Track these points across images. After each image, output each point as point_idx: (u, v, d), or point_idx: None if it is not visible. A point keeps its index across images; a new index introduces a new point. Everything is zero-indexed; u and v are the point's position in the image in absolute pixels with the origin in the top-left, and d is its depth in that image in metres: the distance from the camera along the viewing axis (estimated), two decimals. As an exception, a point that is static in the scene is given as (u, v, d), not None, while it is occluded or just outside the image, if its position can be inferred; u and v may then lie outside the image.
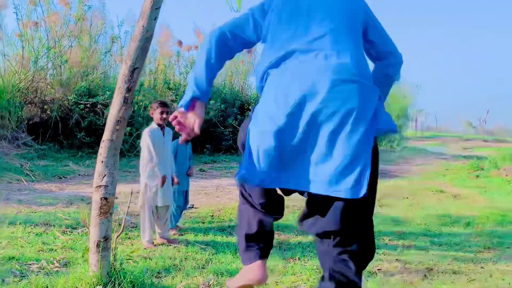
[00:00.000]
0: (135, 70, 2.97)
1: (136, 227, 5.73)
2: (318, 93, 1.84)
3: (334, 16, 2.01)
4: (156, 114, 5.14)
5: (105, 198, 3.01)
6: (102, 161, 3.00)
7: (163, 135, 5.19)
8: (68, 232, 5.41)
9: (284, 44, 1.99)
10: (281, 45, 1.99)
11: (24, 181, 8.77)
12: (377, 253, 5.34)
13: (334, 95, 1.84)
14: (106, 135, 3.02)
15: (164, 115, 5.12)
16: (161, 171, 5.03)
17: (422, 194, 9.53)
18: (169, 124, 4.27)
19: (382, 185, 10.53)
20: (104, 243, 3.06)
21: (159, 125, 5.15)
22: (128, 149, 12.47)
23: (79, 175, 10.14)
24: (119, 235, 3.39)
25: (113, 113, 3.01)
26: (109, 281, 3.12)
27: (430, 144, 38.94)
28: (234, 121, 16.59)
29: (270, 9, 2.07)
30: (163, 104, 5.21)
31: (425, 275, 4.63)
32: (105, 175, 2.99)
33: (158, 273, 4.15)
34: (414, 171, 16.03)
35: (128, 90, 2.95)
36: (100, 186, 3.00)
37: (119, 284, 3.12)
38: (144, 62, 3.04)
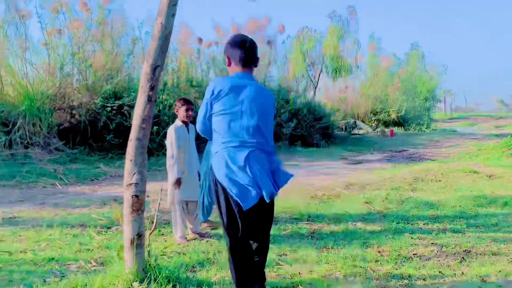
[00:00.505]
0: (156, 68, 2.99)
1: (168, 223, 5.82)
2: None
3: (257, 111, 3.05)
4: (181, 111, 5.19)
5: (136, 196, 3.05)
6: (131, 160, 3.04)
7: (188, 131, 5.24)
8: (103, 232, 5.54)
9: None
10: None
11: (58, 185, 9.02)
12: (411, 238, 5.27)
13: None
14: (133, 134, 3.06)
15: (190, 112, 5.18)
16: (179, 168, 5.07)
17: (455, 176, 9.29)
18: (193, 121, 4.40)
19: (413, 168, 10.33)
20: (138, 240, 3.12)
21: (183, 122, 5.20)
22: (156, 148, 12.64)
23: (110, 176, 10.35)
24: (152, 231, 3.44)
25: (138, 112, 3.05)
26: (145, 277, 3.18)
27: (460, 125, 37.94)
28: (258, 114, 16.55)
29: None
30: (188, 101, 5.26)
31: (463, 258, 4.52)
32: (134, 173, 3.03)
33: (193, 267, 4.20)
34: (445, 153, 15.65)
35: (151, 88, 2.98)
36: (130, 184, 3.05)
37: (155, 280, 3.17)
38: (165, 60, 3.06)
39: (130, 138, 3.09)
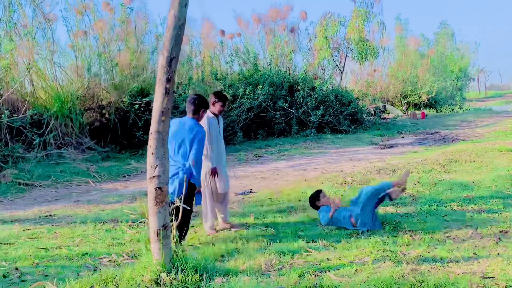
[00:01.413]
0: (172, 60, 2.99)
1: (198, 215, 5.88)
2: None
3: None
4: (217, 106, 5.22)
5: (160, 188, 3.08)
6: (153, 153, 3.07)
7: (218, 124, 5.27)
8: (134, 226, 5.64)
9: None
10: None
11: (91, 182, 9.27)
12: (445, 220, 5.12)
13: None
14: (153, 127, 3.08)
15: (225, 108, 5.30)
16: (214, 158, 5.11)
17: (490, 155, 8.96)
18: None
19: (446, 150, 10.04)
20: (163, 231, 3.15)
21: (214, 114, 5.24)
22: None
23: (141, 172, 10.54)
24: (178, 223, 3.47)
25: (157, 105, 3.06)
26: (173, 267, 3.22)
27: (495, 103, 36.59)
28: (284, 103, 16.48)
29: None
30: (226, 99, 5.32)
31: (499, 239, 4.36)
32: (156, 166, 3.06)
33: (222, 256, 4.23)
34: (480, 133, 15.13)
35: (168, 80, 2.98)
36: (153, 177, 3.08)
37: (182, 270, 3.21)
38: (180, 51, 3.05)
39: (150, 131, 3.12)
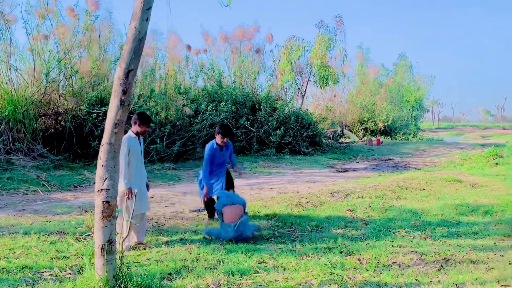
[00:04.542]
0: (129, 72, 2.96)
1: (148, 231, 5.75)
2: None
3: None
4: (141, 127, 5.24)
5: (107, 202, 3.00)
6: (102, 165, 3.00)
7: (140, 144, 5.31)
8: (81, 239, 5.45)
9: None
10: None
11: (40, 191, 8.90)
12: (392, 246, 5.27)
13: None
14: (105, 139, 3.02)
15: (148, 129, 5.35)
16: (128, 180, 5.08)
17: (439, 184, 9.34)
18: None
19: (398, 177, 10.38)
20: (108, 247, 3.06)
21: (136, 134, 5.27)
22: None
23: (94, 183, 10.20)
24: (125, 238, 3.38)
25: (110, 116, 3.01)
26: (116, 284, 3.12)
27: (447, 135, 38.33)
28: (246, 122, 16.58)
29: None
30: (148, 120, 5.32)
31: (441, 266, 4.52)
32: (106, 179, 2.99)
33: (169, 274, 4.14)
34: (431, 162, 15.76)
35: (124, 92, 2.94)
36: (101, 190, 3.00)
37: (126, 287, 3.12)
38: (138, 64, 3.03)
39: (102, 142, 3.05)
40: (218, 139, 6.38)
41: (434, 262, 4.68)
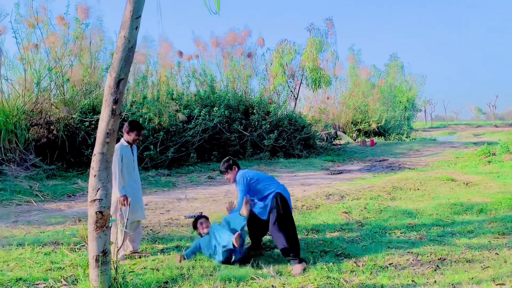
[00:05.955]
0: (120, 81, 2.95)
1: (143, 239, 5.72)
2: None
3: None
4: (132, 135, 5.20)
5: (100, 212, 2.98)
6: (95, 175, 2.98)
7: (132, 153, 5.29)
8: (76, 249, 5.40)
9: None
10: None
11: (33, 202, 8.82)
12: (388, 247, 5.27)
13: None
14: (97, 149, 3.00)
15: (140, 137, 5.27)
16: (121, 189, 5.05)
17: (433, 184, 9.38)
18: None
19: (392, 178, 10.41)
20: (103, 257, 3.04)
21: (128, 142, 5.24)
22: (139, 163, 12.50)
23: (87, 192, 10.19)
24: (120, 248, 3.36)
25: (102, 126, 2.99)
26: (111, 295, 3.10)
27: (440, 134, 38.55)
28: (239, 126, 16.57)
29: None
30: (140, 127, 5.26)
31: (437, 266, 4.53)
32: (99, 189, 2.97)
33: (165, 283, 4.12)
34: (424, 162, 15.83)
35: (115, 101, 2.93)
36: (94, 200, 2.98)
37: (121, 298, 3.10)
38: (128, 72, 3.02)
39: (94, 152, 3.03)
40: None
41: (430, 262, 4.70)
